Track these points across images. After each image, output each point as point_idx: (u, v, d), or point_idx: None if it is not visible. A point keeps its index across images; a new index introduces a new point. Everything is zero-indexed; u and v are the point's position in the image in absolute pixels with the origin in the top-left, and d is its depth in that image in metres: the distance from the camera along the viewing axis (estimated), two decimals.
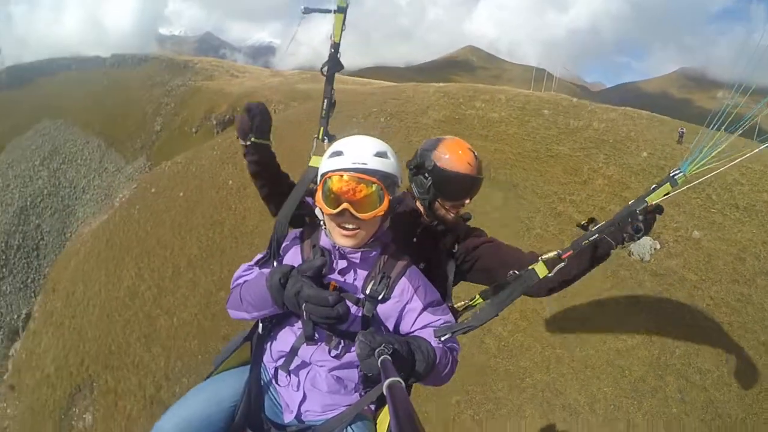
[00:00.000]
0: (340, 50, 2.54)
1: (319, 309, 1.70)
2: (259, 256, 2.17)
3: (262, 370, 2.22)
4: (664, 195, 1.87)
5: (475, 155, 2.54)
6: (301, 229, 2.20)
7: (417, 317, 1.99)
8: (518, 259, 2.41)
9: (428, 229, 2.67)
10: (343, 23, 2.49)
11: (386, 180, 1.88)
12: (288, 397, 2.13)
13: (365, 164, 1.84)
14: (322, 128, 2.51)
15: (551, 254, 2.07)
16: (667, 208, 2.02)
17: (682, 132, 18.32)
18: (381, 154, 1.89)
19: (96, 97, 72.33)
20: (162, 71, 72.54)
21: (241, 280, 2.15)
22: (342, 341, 1.99)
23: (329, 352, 1.99)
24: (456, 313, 2.62)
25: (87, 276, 21.31)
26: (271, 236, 2.14)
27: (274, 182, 2.54)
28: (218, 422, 2.01)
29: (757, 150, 1.88)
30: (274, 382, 2.18)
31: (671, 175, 1.84)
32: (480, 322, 2.03)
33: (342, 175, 1.82)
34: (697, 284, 12.26)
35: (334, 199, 1.83)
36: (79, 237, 28.64)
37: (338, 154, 1.89)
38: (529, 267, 2.10)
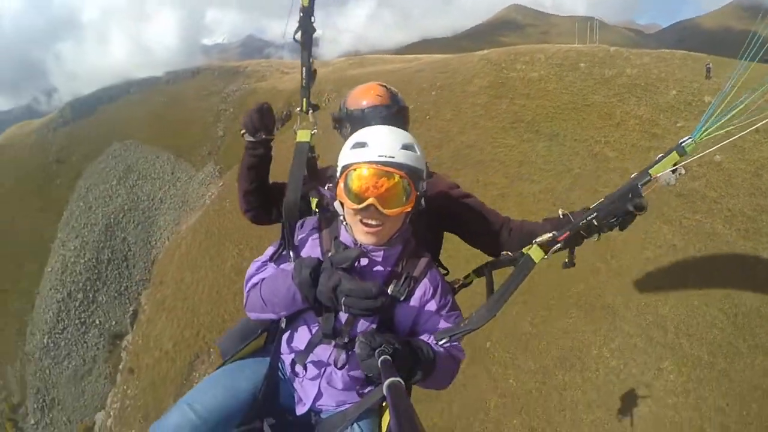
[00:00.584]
0: (313, 13, 2.36)
1: (362, 302, 1.66)
2: (271, 250, 2.10)
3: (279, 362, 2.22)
4: (672, 166, 1.71)
5: (387, 88, 2.50)
6: (316, 218, 2.12)
7: (428, 319, 1.98)
8: (496, 216, 2.45)
9: None
10: None
11: (413, 174, 1.79)
12: (302, 391, 2.12)
13: (392, 157, 1.75)
14: (304, 99, 2.41)
15: (546, 236, 1.98)
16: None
17: (709, 67, 19.73)
18: (408, 147, 1.81)
19: (158, 114, 77.46)
20: (215, 80, 77.05)
21: (256, 279, 2.07)
22: (349, 353, 1.93)
23: (336, 364, 1.94)
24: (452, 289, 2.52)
25: (192, 264, 25.34)
26: (282, 223, 2.07)
27: (265, 176, 2.58)
28: (235, 413, 2.01)
29: None
30: (289, 375, 2.16)
31: (680, 143, 1.69)
32: (478, 325, 1.95)
33: (368, 168, 1.74)
34: (716, 200, 14.42)
35: (358, 193, 1.74)
36: (178, 234, 32.78)
37: (362, 145, 1.81)
38: (524, 251, 2.02)
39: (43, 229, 72.57)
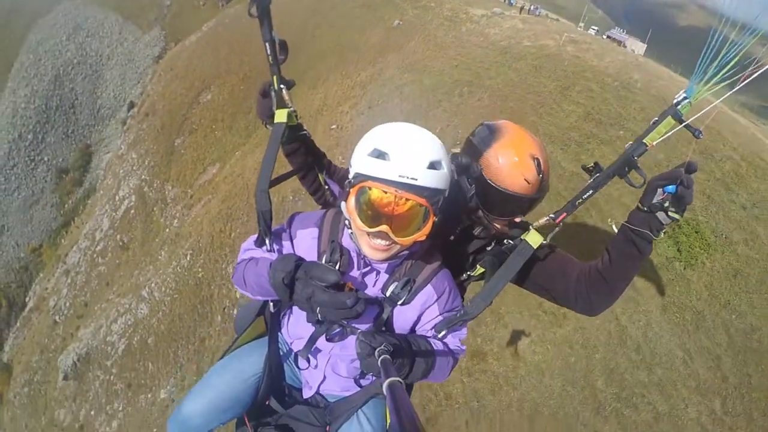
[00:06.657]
0: None
1: (335, 312, 1.72)
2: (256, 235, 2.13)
3: (280, 344, 2.35)
4: (667, 132, 1.62)
5: (538, 164, 2.11)
6: (322, 213, 2.13)
7: (428, 321, 2.05)
8: (573, 268, 2.15)
9: (467, 231, 2.39)
10: None
11: (434, 198, 1.70)
12: (309, 375, 2.27)
13: (415, 179, 1.65)
14: (275, 77, 2.22)
15: (543, 220, 1.97)
16: None
17: None
18: (434, 165, 1.69)
19: None
20: None
21: (247, 255, 2.14)
22: (340, 331, 2.02)
23: (326, 336, 2.01)
24: (461, 286, 2.50)
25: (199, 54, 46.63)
26: (257, 214, 2.05)
27: (308, 156, 2.49)
28: (245, 398, 2.19)
29: None
30: (292, 361, 2.33)
31: (674, 104, 1.58)
32: (474, 314, 1.95)
33: (385, 191, 1.66)
34: None
35: (371, 215, 1.70)
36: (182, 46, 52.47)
37: (382, 155, 1.68)
38: (522, 237, 2.00)
39: None
